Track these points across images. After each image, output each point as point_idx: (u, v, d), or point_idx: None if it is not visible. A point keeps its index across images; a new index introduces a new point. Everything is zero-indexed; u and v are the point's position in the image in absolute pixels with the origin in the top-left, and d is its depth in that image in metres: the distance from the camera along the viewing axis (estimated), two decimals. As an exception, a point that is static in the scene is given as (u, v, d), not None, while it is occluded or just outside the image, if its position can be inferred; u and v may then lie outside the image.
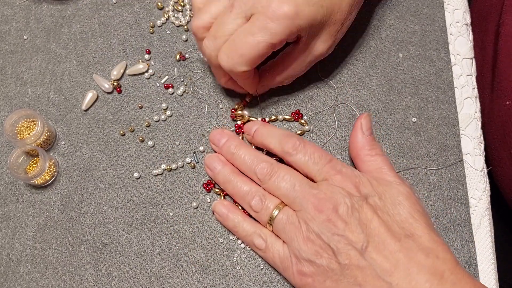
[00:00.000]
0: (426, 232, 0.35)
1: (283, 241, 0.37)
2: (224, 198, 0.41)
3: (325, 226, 0.34)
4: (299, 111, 0.43)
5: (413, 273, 0.33)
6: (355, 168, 0.40)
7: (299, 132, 0.43)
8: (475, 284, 0.33)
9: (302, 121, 0.43)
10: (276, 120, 0.44)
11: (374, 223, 0.34)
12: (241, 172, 0.40)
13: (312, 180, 0.38)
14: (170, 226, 0.41)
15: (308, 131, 0.43)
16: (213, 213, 0.41)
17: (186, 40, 0.46)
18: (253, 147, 0.42)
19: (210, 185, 0.42)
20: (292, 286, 0.39)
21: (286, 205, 0.37)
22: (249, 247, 0.40)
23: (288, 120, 0.44)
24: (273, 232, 0.38)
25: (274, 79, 0.42)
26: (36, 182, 0.41)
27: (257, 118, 0.43)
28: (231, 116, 0.43)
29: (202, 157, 0.43)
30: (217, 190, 0.41)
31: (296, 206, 0.36)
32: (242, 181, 0.39)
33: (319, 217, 0.34)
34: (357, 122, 0.40)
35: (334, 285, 0.34)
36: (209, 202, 0.42)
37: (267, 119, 0.43)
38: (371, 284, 0.33)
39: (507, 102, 0.47)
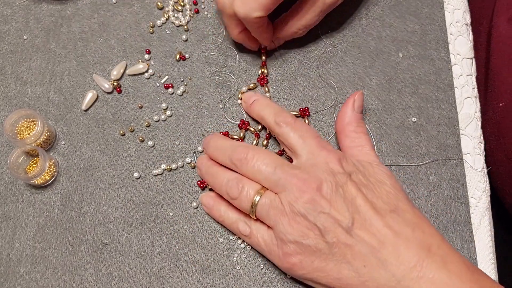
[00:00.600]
0: (409, 207, 0.35)
1: (268, 226, 0.36)
2: None
3: (310, 206, 0.34)
4: (308, 108, 0.44)
5: (401, 248, 0.33)
6: (337, 143, 0.41)
7: None
8: (462, 258, 0.33)
9: (306, 120, 0.43)
10: None
11: (359, 200, 0.34)
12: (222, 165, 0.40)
13: (296, 156, 0.38)
14: (170, 226, 0.41)
15: None
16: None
17: (186, 40, 0.46)
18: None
19: (204, 183, 0.42)
20: (292, 284, 0.39)
21: (267, 189, 0.36)
22: (248, 245, 0.40)
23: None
24: (257, 219, 0.37)
25: (288, 30, 0.42)
26: (36, 182, 0.41)
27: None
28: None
29: (202, 157, 0.43)
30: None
31: (279, 188, 0.35)
32: (220, 171, 0.39)
33: (303, 197, 0.34)
34: (350, 98, 0.40)
35: (323, 265, 0.34)
36: (209, 202, 0.42)
37: None
38: (360, 261, 0.33)
39: (501, 104, 0.47)
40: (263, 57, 0.45)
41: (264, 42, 0.43)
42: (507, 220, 0.56)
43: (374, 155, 0.38)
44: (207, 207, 0.40)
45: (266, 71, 0.45)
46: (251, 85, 0.44)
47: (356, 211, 0.34)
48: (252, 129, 0.43)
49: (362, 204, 0.34)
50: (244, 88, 0.44)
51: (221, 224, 0.40)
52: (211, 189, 0.42)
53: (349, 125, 0.39)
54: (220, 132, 0.43)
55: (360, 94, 0.40)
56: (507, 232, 0.55)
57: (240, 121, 0.43)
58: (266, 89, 0.44)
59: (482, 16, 0.52)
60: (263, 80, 0.44)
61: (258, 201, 0.36)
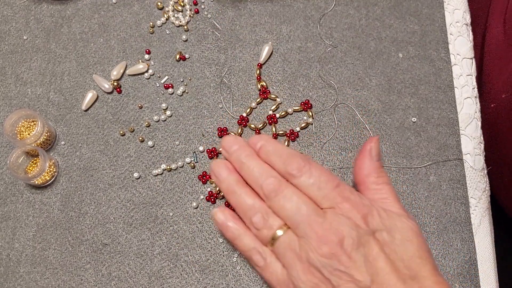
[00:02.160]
0: (432, 273, 0.33)
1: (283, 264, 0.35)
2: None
3: (327, 261, 0.32)
4: (308, 101, 0.44)
5: None
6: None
7: (303, 124, 0.43)
8: None
9: (310, 112, 0.43)
10: (286, 115, 0.44)
11: (380, 262, 0.33)
12: (247, 184, 0.37)
13: (318, 206, 0.35)
14: (170, 226, 0.41)
15: (311, 124, 0.43)
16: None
17: (186, 40, 0.46)
18: None
19: (206, 177, 0.42)
20: None
21: (289, 228, 0.35)
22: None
23: (297, 111, 0.44)
24: (273, 252, 0.35)
25: None
26: (36, 182, 0.41)
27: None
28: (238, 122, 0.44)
29: (202, 157, 0.43)
30: (213, 181, 0.41)
31: (299, 232, 0.34)
32: (246, 194, 0.36)
33: (322, 249, 0.32)
34: (366, 145, 0.37)
35: None
36: (209, 203, 0.42)
37: (277, 115, 0.44)
38: None
39: (492, 105, 0.48)
40: (257, 72, 0.45)
41: None
42: (507, 220, 0.56)
43: (399, 207, 0.36)
44: (220, 225, 0.37)
45: (264, 84, 0.44)
46: (258, 99, 0.44)
47: (375, 273, 0.32)
48: (252, 126, 0.43)
49: (383, 267, 0.33)
50: (253, 104, 0.44)
51: (233, 247, 0.39)
52: (212, 183, 0.42)
53: (368, 176, 0.36)
54: (218, 128, 0.43)
55: (376, 141, 0.37)
56: (507, 232, 0.55)
57: (240, 116, 0.43)
58: (273, 96, 0.44)
59: (477, 17, 0.52)
60: (265, 94, 0.44)
61: (279, 237, 0.34)
